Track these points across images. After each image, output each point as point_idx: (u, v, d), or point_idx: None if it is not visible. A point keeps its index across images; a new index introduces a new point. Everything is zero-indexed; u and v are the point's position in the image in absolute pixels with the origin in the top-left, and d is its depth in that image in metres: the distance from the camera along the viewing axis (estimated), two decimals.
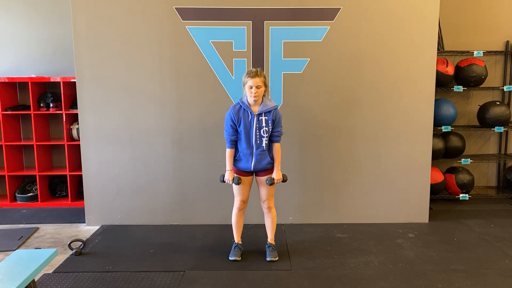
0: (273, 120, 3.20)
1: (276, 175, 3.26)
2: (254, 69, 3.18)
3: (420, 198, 4.14)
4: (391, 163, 4.09)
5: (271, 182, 3.23)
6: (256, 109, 3.18)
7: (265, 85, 3.19)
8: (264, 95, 3.20)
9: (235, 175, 3.26)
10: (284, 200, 4.04)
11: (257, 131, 3.18)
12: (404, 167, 4.09)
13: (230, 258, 3.33)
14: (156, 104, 3.99)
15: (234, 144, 3.26)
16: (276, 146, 3.26)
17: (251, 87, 3.12)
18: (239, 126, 3.20)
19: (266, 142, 3.21)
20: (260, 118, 3.17)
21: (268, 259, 3.31)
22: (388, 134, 4.05)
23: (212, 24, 3.89)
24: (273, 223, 3.41)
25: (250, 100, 3.16)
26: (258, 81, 3.12)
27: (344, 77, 3.98)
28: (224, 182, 3.28)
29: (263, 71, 3.93)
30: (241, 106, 3.20)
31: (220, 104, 3.97)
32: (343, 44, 3.93)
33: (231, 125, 3.20)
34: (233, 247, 3.40)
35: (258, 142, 3.20)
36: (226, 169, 3.27)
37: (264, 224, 3.46)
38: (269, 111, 3.19)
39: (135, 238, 3.80)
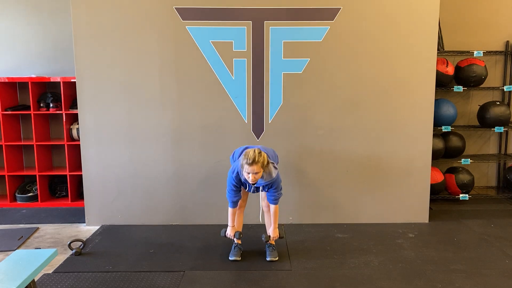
0: (269, 188, 3.19)
1: (273, 233, 3.30)
2: (252, 154, 2.97)
3: (420, 198, 4.14)
4: (391, 163, 4.08)
5: (267, 240, 3.30)
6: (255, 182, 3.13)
7: (264, 168, 3.04)
8: (264, 171, 3.07)
9: (237, 230, 3.32)
10: (284, 200, 4.02)
11: (255, 192, 3.26)
12: (404, 167, 4.09)
13: (230, 258, 3.33)
14: (156, 104, 3.99)
15: (236, 204, 3.28)
16: (273, 208, 3.25)
17: (248, 173, 3.00)
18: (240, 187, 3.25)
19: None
20: (258, 187, 3.20)
21: (268, 259, 3.31)
22: (388, 134, 4.05)
23: (212, 24, 3.89)
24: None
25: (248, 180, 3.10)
26: (255, 168, 2.97)
27: (344, 77, 3.98)
28: (226, 236, 3.34)
29: (263, 71, 3.94)
30: (240, 178, 3.15)
31: (220, 104, 3.98)
32: (343, 44, 3.93)
33: (233, 189, 3.21)
34: (233, 247, 3.40)
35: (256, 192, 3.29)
36: (228, 224, 3.31)
37: (264, 224, 3.46)
38: (267, 184, 3.16)
39: (135, 238, 3.80)
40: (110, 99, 3.98)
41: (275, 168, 3.17)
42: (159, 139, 4.04)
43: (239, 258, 3.32)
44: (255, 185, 3.16)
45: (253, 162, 2.96)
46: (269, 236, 3.31)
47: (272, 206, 3.25)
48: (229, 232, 3.31)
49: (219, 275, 3.08)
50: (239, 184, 3.20)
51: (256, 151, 3.02)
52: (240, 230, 3.43)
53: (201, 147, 4.05)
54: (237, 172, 3.14)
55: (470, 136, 5.12)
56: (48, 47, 4.88)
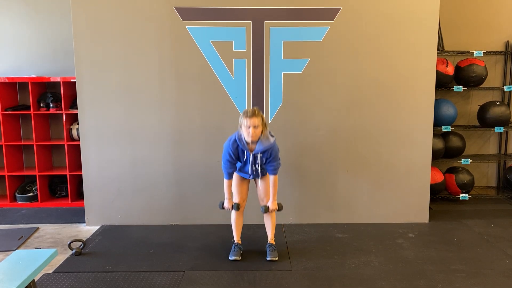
0: (267, 158, 3.19)
1: (272, 205, 3.30)
2: (251, 109, 3.12)
3: (420, 198, 4.14)
4: (391, 163, 4.08)
5: (266, 211, 3.29)
6: (252, 148, 3.18)
7: (263, 125, 3.13)
8: (262, 132, 3.15)
9: (234, 202, 3.32)
10: (284, 200, 4.02)
11: (253, 165, 3.23)
12: (404, 167, 4.09)
13: (230, 258, 3.33)
14: (156, 104, 3.99)
15: (232, 176, 3.30)
16: (272, 178, 3.26)
17: (249, 127, 3.08)
18: (237, 160, 3.25)
19: (261, 170, 3.27)
20: (256, 155, 3.19)
21: (268, 259, 3.31)
22: (388, 134, 4.05)
23: (212, 24, 3.89)
24: (272, 223, 3.41)
25: (247, 139, 3.13)
26: (255, 121, 3.07)
27: (344, 77, 3.98)
28: (224, 208, 3.34)
29: (263, 71, 3.94)
30: (238, 144, 3.18)
31: (220, 104, 3.98)
32: (343, 44, 3.93)
33: (228, 160, 3.21)
34: (233, 247, 3.40)
35: (254, 173, 3.27)
36: (225, 197, 3.32)
37: (264, 224, 3.47)
38: (265, 150, 3.17)
39: (135, 238, 3.80)
40: (110, 99, 3.98)
41: (272, 136, 3.23)
42: (159, 139, 4.04)
43: (239, 258, 3.32)
44: (253, 153, 3.15)
45: (253, 115, 3.08)
46: (268, 207, 3.30)
47: (271, 177, 3.26)
48: (227, 205, 3.31)
49: (219, 275, 3.08)
50: (236, 154, 3.20)
51: (255, 108, 3.16)
52: (240, 231, 3.43)
53: (201, 147, 4.05)
54: (234, 139, 3.18)
55: (470, 136, 5.12)
56: (48, 47, 4.88)
